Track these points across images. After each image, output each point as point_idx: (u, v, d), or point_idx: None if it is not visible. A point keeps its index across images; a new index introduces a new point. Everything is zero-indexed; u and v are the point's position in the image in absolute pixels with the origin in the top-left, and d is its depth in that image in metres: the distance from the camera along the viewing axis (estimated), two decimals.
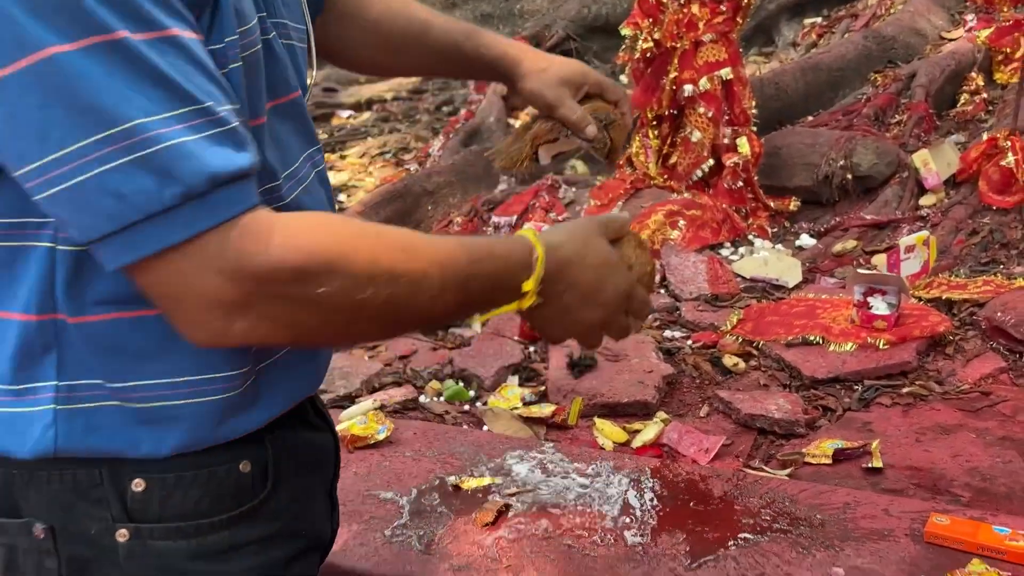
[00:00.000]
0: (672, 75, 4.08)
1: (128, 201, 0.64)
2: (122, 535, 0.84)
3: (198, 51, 0.68)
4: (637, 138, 4.39)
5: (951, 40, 5.70)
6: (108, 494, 0.85)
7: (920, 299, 2.93)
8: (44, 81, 0.63)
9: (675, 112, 4.17)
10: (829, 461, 2.07)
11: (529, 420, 2.39)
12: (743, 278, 3.44)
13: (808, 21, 7.54)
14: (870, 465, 2.03)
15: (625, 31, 4.21)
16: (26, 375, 0.79)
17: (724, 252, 3.76)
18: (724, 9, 4.01)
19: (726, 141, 4.10)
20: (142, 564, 0.86)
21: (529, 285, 0.84)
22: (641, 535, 1.59)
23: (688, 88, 4.05)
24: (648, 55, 4.13)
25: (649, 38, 4.08)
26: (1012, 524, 1.53)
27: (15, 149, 0.65)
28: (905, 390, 2.42)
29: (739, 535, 1.56)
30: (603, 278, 0.85)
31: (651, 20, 4.06)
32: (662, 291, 3.36)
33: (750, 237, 3.92)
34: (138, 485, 0.83)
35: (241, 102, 0.75)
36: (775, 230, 4.07)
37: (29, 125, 0.64)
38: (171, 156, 0.64)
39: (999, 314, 2.66)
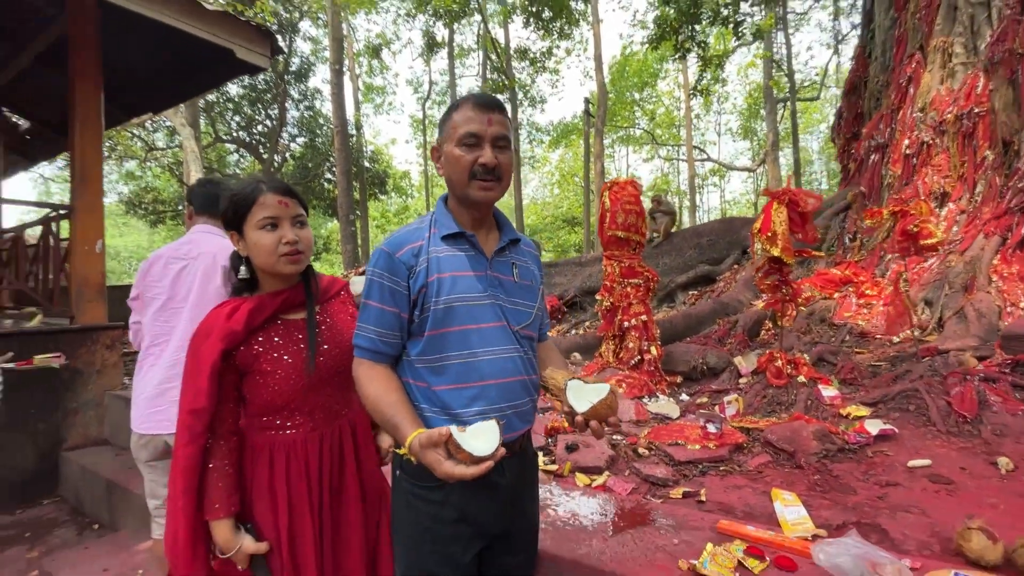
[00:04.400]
0: (619, 317, 4.44)
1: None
2: (397, 473, 1.04)
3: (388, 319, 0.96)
4: (603, 344, 4.72)
5: (754, 305, 6.08)
6: (398, 458, 1.04)
7: (733, 427, 3.05)
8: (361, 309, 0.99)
9: (621, 333, 4.48)
10: (681, 497, 2.21)
11: (546, 472, 2.52)
12: (652, 413, 3.55)
13: (691, 293, 7.97)
14: (700, 499, 2.17)
15: (598, 297, 4.64)
16: None
17: (644, 400, 3.87)
18: (641, 289, 4.48)
19: (645, 347, 4.35)
20: (398, 485, 1.03)
21: (402, 451, 0.92)
22: (593, 525, 1.67)
23: (626, 324, 4.40)
24: (608, 308, 4.53)
25: (608, 300, 4.51)
26: (756, 525, 1.68)
27: None
28: (721, 468, 2.54)
29: (639, 528, 1.63)
30: (427, 466, 0.82)
31: (609, 293, 4.53)
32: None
33: (657, 394, 4.04)
34: (406, 456, 0.96)
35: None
36: (669, 391, 4.19)
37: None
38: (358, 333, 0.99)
39: (769, 435, 2.81)
